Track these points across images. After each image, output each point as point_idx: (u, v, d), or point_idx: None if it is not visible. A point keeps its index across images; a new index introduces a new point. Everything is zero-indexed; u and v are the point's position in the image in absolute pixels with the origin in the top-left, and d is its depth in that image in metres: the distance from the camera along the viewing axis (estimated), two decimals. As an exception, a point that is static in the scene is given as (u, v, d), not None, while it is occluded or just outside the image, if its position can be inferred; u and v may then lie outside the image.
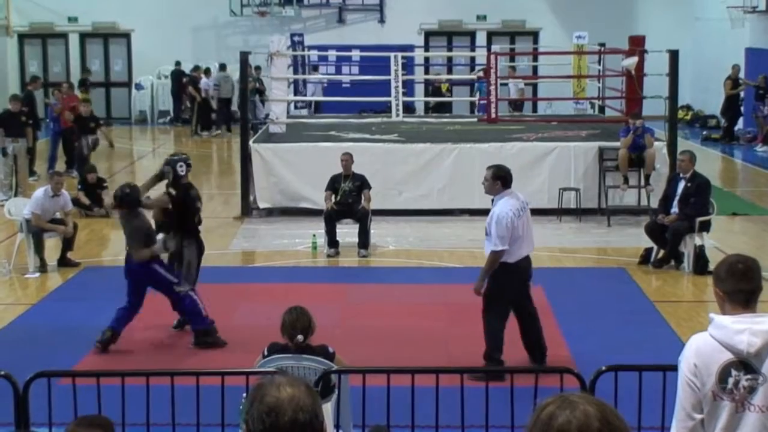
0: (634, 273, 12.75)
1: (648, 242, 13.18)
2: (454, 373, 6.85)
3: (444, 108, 25.10)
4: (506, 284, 8.97)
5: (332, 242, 13.78)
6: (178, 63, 29.20)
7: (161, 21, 29.34)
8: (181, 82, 28.96)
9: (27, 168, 18.79)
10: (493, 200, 9.08)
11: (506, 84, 24.35)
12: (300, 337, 6.90)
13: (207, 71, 28.30)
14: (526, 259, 9.09)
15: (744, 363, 4.07)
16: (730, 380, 4.08)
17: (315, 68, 26.17)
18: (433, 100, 25.58)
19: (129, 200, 9.83)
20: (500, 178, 9.00)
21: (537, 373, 6.41)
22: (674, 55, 16.46)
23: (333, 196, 13.91)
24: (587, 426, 2.46)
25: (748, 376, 4.08)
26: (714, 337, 4.13)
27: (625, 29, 24.88)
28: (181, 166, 10.17)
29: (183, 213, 10.22)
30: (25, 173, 18.39)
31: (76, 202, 15.27)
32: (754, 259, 4.35)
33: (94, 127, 19.13)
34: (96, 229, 15.55)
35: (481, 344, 9.92)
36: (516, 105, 24.89)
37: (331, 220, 13.74)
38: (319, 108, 25.25)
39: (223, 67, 27.98)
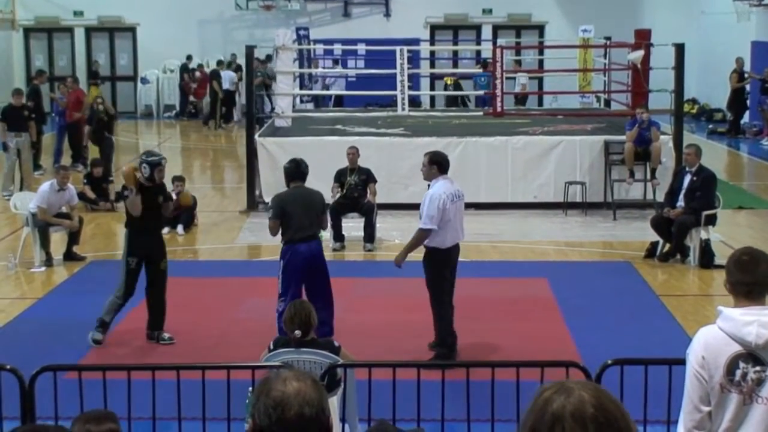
0: (640, 267, 12.74)
1: (654, 236, 13.16)
2: (459, 367, 6.85)
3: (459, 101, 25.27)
4: (442, 270, 9.10)
5: (338, 236, 13.79)
6: (189, 57, 29.21)
7: (167, 15, 29.35)
8: (186, 77, 29.05)
9: (31, 162, 18.73)
10: (429, 186, 9.23)
11: (513, 78, 24.36)
12: (298, 333, 6.89)
13: (230, 64, 28.29)
14: (457, 248, 9.23)
15: (752, 355, 4.07)
16: (738, 372, 4.08)
17: (336, 62, 26.22)
18: (452, 93, 25.59)
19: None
20: (437, 163, 9.13)
21: (543, 367, 6.41)
22: (680, 49, 16.43)
23: (339, 189, 13.92)
24: (581, 411, 2.47)
25: (757, 368, 4.07)
26: (722, 329, 4.13)
27: (630, 23, 24.85)
28: (145, 168, 9.67)
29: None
30: (28, 168, 18.34)
31: (81, 196, 15.27)
32: (762, 252, 4.33)
33: (109, 120, 18.93)
34: (102, 223, 15.57)
35: (488, 339, 9.94)
36: (518, 99, 24.85)
37: (337, 213, 13.74)
38: (340, 102, 25.26)
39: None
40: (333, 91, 25.77)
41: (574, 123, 18.26)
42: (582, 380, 2.60)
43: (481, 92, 22.41)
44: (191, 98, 29.25)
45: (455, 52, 28.86)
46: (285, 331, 7.65)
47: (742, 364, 4.08)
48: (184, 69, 29.23)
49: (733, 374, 4.08)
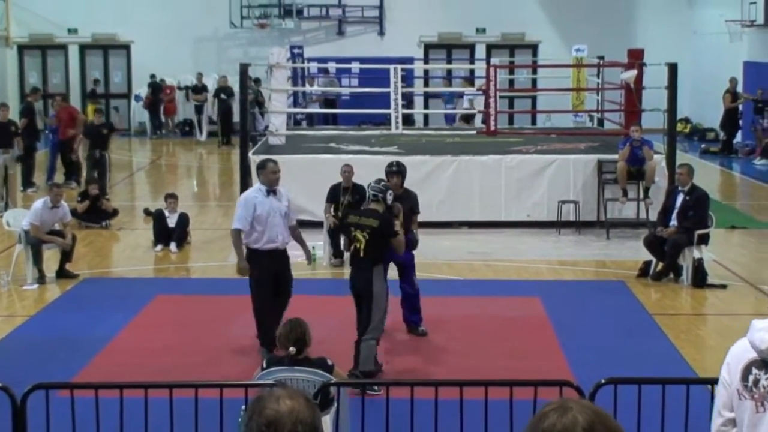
0: (633, 286, 12.75)
1: (647, 255, 13.18)
2: (453, 386, 6.84)
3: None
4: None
5: (337, 252, 13.85)
6: (152, 76, 29.20)
7: (161, 33, 29.39)
8: (158, 95, 29.03)
9: (18, 179, 18.51)
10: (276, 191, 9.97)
11: (461, 96, 24.33)
12: (292, 349, 6.89)
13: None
14: (274, 253, 9.93)
15: (765, 362, 4.08)
16: (751, 378, 4.09)
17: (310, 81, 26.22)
18: (446, 112, 25.55)
19: None
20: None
21: (536, 386, 6.40)
22: (673, 68, 16.48)
23: (333, 209, 13.90)
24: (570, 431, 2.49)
25: None
26: (747, 337, 4.16)
27: (623, 42, 24.92)
28: (390, 195, 9.37)
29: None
30: (14, 184, 18.14)
31: (75, 213, 15.25)
32: None
33: (108, 134, 18.87)
34: (94, 240, 15.55)
35: (481, 357, 9.94)
36: (467, 118, 24.64)
37: (335, 231, 13.79)
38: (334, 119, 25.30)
39: None
40: (327, 110, 25.78)
41: (568, 142, 18.28)
42: (585, 402, 2.61)
43: (474, 111, 22.42)
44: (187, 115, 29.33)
45: (449, 71, 28.92)
46: None
47: (755, 371, 4.09)
48: (156, 87, 29.24)
49: (746, 380, 4.10)
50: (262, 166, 10.14)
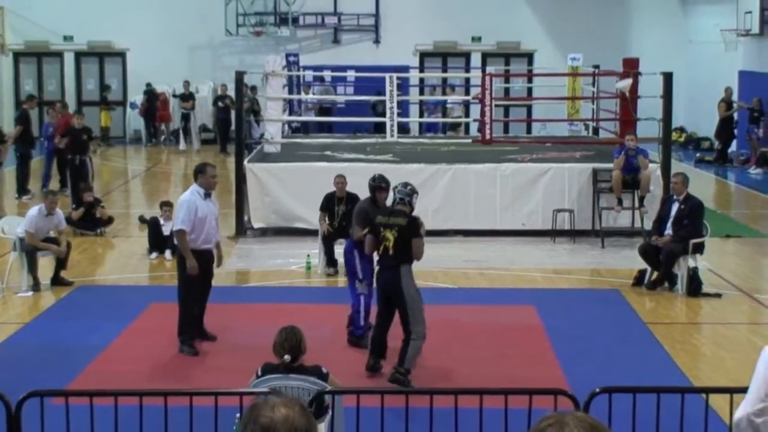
0: (628, 294, 12.76)
1: (642, 264, 13.19)
2: (448, 394, 6.84)
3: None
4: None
5: (331, 261, 13.83)
6: (148, 84, 29.21)
7: (156, 40, 29.39)
8: (154, 102, 29.05)
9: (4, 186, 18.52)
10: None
11: (445, 102, 24.35)
12: (287, 357, 6.89)
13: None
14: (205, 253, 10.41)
15: None
16: None
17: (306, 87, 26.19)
18: (444, 120, 25.54)
19: None
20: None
21: (531, 394, 6.40)
22: (668, 78, 16.53)
23: (326, 218, 13.89)
24: None
25: None
26: None
27: (619, 51, 25.00)
28: (416, 197, 9.70)
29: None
30: (3, 193, 18.10)
31: (69, 220, 15.23)
32: None
33: (87, 140, 18.84)
34: (89, 248, 15.53)
35: (476, 366, 9.93)
36: (453, 126, 24.59)
37: (329, 240, 13.78)
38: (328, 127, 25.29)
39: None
40: (323, 118, 25.78)
41: (563, 150, 18.32)
42: (581, 415, 2.62)
43: (470, 119, 22.45)
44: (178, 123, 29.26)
45: (444, 80, 28.94)
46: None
47: None
48: (151, 95, 29.25)
49: None
50: (201, 170, 10.47)
